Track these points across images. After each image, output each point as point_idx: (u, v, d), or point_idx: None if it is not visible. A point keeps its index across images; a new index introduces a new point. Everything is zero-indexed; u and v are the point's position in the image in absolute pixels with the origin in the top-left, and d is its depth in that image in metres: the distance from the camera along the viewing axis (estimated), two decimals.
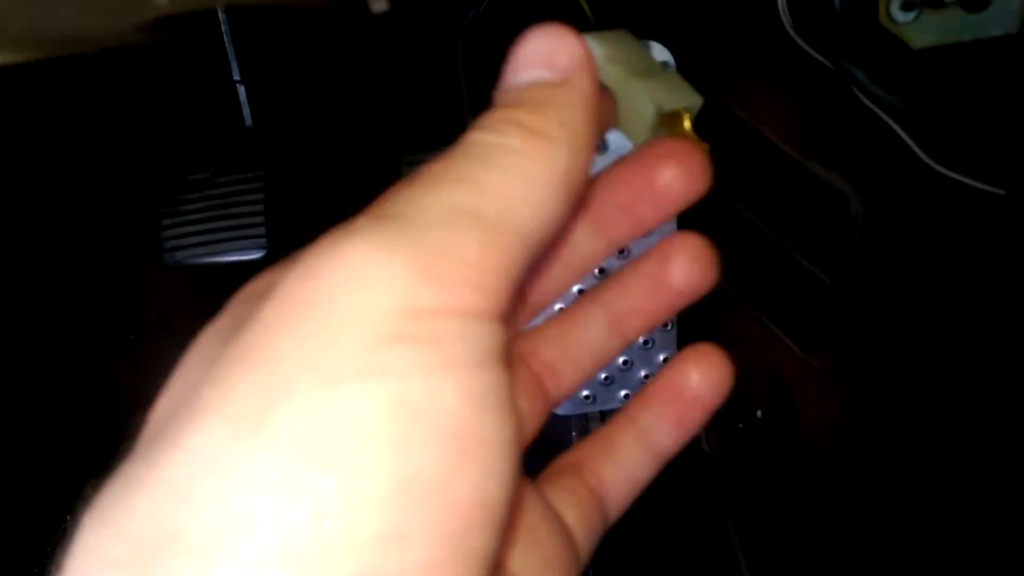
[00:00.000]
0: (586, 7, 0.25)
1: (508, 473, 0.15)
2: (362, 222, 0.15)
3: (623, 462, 0.25)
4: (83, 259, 0.76)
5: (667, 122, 0.26)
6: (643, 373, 0.80)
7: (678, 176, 0.24)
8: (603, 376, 0.80)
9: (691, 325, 0.88)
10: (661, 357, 0.80)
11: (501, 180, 0.16)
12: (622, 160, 0.24)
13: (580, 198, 0.18)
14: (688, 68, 0.67)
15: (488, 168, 0.16)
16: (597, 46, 0.25)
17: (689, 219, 0.77)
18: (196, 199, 0.64)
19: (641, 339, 0.78)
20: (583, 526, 0.24)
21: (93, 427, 0.84)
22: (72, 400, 0.81)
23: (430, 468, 0.14)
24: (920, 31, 0.41)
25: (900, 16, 0.41)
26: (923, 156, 0.53)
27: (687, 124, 0.26)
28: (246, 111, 0.70)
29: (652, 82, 0.25)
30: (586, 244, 0.25)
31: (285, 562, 0.13)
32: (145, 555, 0.13)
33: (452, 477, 0.14)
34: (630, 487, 0.25)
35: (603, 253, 0.25)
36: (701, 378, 0.25)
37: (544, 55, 0.19)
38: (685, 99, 0.26)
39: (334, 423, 0.13)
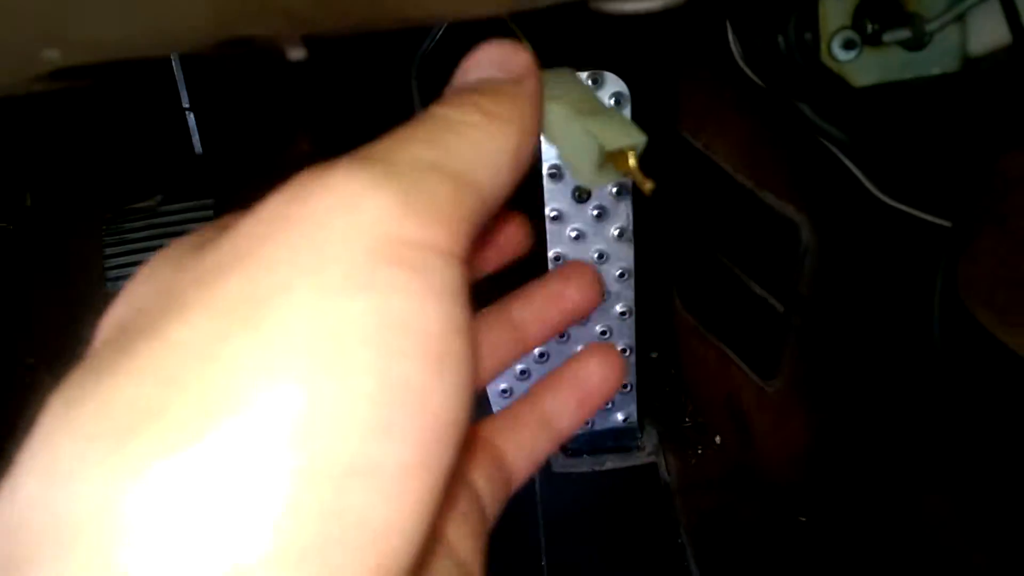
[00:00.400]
0: (522, 39, 0.26)
1: (469, 400, 0.16)
2: (344, 162, 0.16)
3: (527, 439, 0.27)
4: (27, 285, 0.74)
5: (613, 160, 0.26)
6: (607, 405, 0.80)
7: (577, 296, 0.28)
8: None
9: (648, 352, 0.89)
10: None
11: (464, 147, 0.18)
12: (537, 282, 0.29)
13: (521, 176, 0.20)
14: (642, 98, 0.67)
15: (453, 135, 0.18)
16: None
17: (649, 244, 0.78)
18: (142, 227, 0.63)
19: None
20: (491, 494, 0.26)
21: None
22: (17, 429, 0.78)
23: (414, 376, 0.15)
24: (861, 70, 0.42)
25: (841, 55, 0.41)
26: (871, 188, 0.54)
27: (632, 162, 0.26)
28: (195, 138, 0.69)
29: (596, 121, 0.25)
30: (509, 348, 0.28)
31: (277, 443, 0.14)
32: (124, 431, 0.14)
33: (431, 387, 0.15)
34: (531, 462, 0.28)
35: (523, 352, 0.29)
36: (600, 370, 0.28)
37: (498, 60, 0.22)
38: (629, 138, 0.26)
39: (330, 326, 0.15)
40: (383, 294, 0.15)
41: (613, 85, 0.65)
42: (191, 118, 0.69)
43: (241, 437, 0.14)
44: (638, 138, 0.26)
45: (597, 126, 0.25)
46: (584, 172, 0.26)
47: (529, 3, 0.18)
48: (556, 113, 0.26)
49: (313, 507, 0.14)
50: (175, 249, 0.19)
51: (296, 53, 0.23)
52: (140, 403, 0.14)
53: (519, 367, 0.77)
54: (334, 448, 0.14)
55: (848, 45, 0.41)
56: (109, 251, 0.63)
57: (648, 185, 0.27)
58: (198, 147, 0.70)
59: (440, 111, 0.19)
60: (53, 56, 0.16)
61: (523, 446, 0.27)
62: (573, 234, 0.71)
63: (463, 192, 0.18)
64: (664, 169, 0.77)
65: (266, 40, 0.21)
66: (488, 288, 0.28)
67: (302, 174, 0.17)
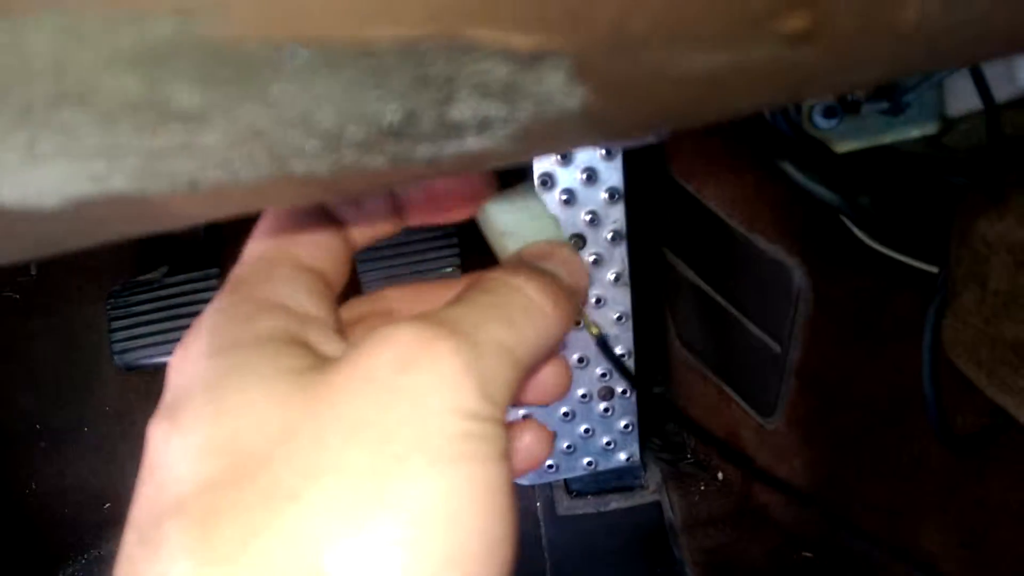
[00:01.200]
0: None
1: (512, 540, 0.21)
2: (444, 335, 0.20)
3: None
4: (32, 357, 0.75)
5: None
6: (605, 440, 0.81)
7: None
8: (565, 445, 0.81)
9: (651, 390, 0.90)
10: (622, 423, 0.80)
11: (532, 335, 0.22)
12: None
13: None
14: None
15: (528, 320, 0.23)
16: (500, 215, 0.28)
17: (645, 286, 0.79)
18: (147, 299, 0.63)
19: (602, 406, 0.79)
20: None
21: (46, 518, 0.82)
22: (24, 494, 0.79)
23: (500, 531, 0.20)
24: (843, 136, 0.43)
25: (822, 123, 0.43)
26: (860, 234, 0.55)
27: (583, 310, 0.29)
28: None
29: (520, 214, 0.28)
30: None
31: None
32: None
33: (508, 538, 0.20)
34: None
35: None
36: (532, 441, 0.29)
37: (568, 263, 0.26)
38: (545, 234, 0.28)
39: (442, 492, 0.19)
40: (475, 463, 0.19)
41: None
42: None
43: None
44: (552, 235, 0.28)
45: (513, 220, 0.28)
46: (496, 252, 0.28)
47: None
48: (509, 251, 0.28)
49: None
50: (277, 357, 0.21)
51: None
52: (298, 563, 0.18)
53: (521, 412, 0.78)
54: None
55: (828, 114, 0.43)
56: (115, 324, 0.63)
57: (595, 330, 0.30)
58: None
59: (522, 287, 0.23)
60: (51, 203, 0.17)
61: None
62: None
63: (519, 374, 0.22)
64: (659, 210, 0.78)
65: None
66: None
67: (405, 334, 0.20)
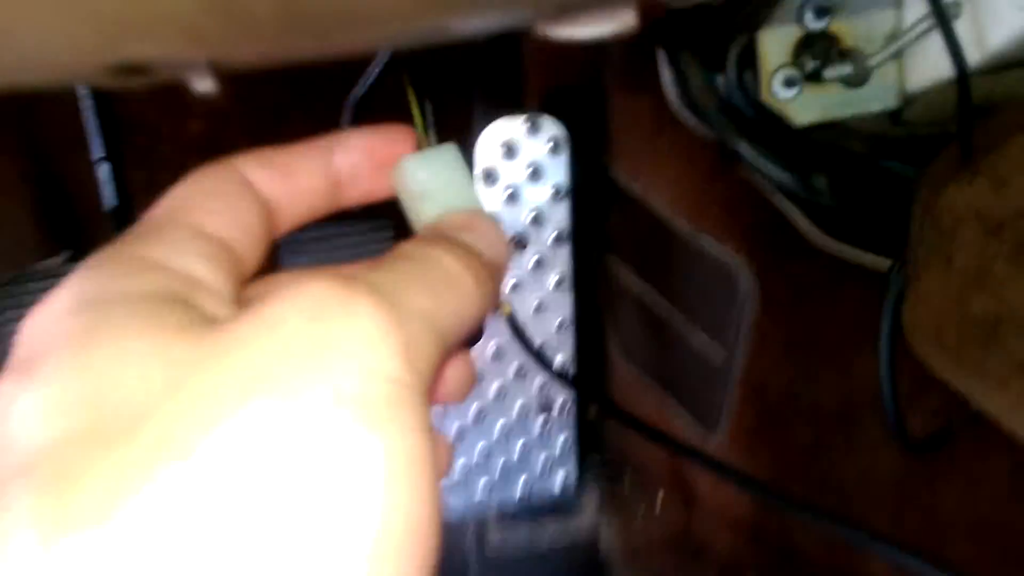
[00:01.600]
0: (419, 121, 0.26)
1: (435, 508, 0.19)
2: (363, 290, 0.19)
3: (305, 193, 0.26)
4: None
5: None
6: (542, 457, 0.77)
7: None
8: (501, 462, 0.76)
9: (588, 405, 0.86)
10: (560, 439, 0.76)
11: (453, 306, 0.21)
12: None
13: None
14: (579, 142, 0.66)
15: (450, 291, 0.21)
16: (418, 173, 0.26)
17: (587, 290, 0.76)
18: (45, 289, 0.57)
19: (540, 421, 0.75)
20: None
21: None
22: None
23: (422, 510, 0.18)
24: (802, 108, 0.41)
25: (782, 92, 0.41)
26: (810, 228, 0.53)
27: None
28: (108, 190, 0.64)
29: (441, 181, 0.26)
30: (324, 200, 0.28)
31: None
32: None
33: (429, 517, 0.18)
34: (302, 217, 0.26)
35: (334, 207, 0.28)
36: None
37: (490, 238, 0.25)
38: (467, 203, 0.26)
39: (359, 462, 0.17)
40: (396, 431, 0.17)
41: (550, 128, 0.64)
42: (104, 169, 0.65)
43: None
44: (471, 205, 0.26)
45: (432, 186, 0.26)
46: (409, 216, 0.26)
47: (472, 30, 0.16)
48: (424, 216, 0.26)
49: None
50: (159, 313, 0.18)
51: (202, 84, 0.20)
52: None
53: (456, 425, 0.73)
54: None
55: (789, 83, 0.41)
56: (7, 315, 0.56)
57: (507, 309, 0.27)
58: (111, 200, 0.65)
59: (442, 258, 0.22)
60: None
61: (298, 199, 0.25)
62: (510, 284, 0.68)
63: (442, 352, 0.20)
64: (602, 216, 0.76)
65: (168, 69, 0.18)
66: None
67: (318, 286, 0.18)
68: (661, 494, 0.78)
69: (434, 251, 0.22)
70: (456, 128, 0.70)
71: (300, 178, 0.24)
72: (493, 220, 0.26)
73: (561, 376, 0.61)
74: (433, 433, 0.19)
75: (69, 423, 0.16)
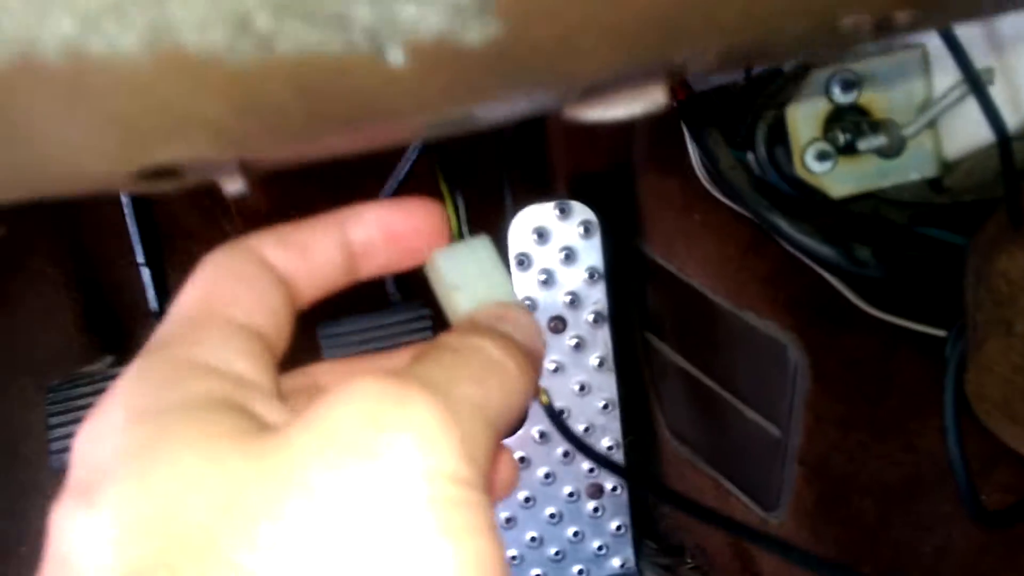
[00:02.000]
0: (454, 219, 0.26)
1: None
2: (415, 389, 0.18)
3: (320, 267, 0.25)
4: None
5: None
6: (596, 544, 0.74)
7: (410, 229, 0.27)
8: (553, 551, 0.73)
9: (642, 486, 0.83)
10: (613, 525, 0.74)
11: (501, 395, 0.21)
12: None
13: None
14: (610, 224, 0.66)
15: (495, 380, 0.21)
16: (451, 267, 0.25)
17: (630, 369, 0.74)
18: (89, 394, 0.58)
19: (591, 506, 0.73)
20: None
21: None
22: None
23: None
24: (838, 180, 0.41)
25: (816, 167, 0.40)
26: (858, 301, 0.52)
27: None
28: (150, 294, 0.66)
29: (472, 272, 0.26)
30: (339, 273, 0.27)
31: None
32: None
33: None
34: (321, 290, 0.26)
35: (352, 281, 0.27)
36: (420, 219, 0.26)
37: (528, 330, 0.25)
38: (496, 296, 0.26)
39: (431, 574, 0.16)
40: (466, 536, 0.17)
41: (581, 213, 0.64)
42: (146, 273, 0.66)
43: None
44: (504, 297, 0.26)
45: (462, 278, 0.25)
46: (445, 309, 0.26)
47: (499, 117, 0.16)
48: (460, 309, 0.25)
49: None
50: (214, 421, 0.18)
51: (233, 185, 0.20)
52: None
53: (504, 514, 0.71)
54: None
55: (822, 157, 0.40)
56: (53, 421, 0.57)
57: (544, 399, 0.28)
58: (153, 304, 0.66)
59: (484, 347, 0.22)
60: None
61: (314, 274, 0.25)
62: (551, 366, 0.67)
63: (495, 441, 0.20)
64: (639, 293, 0.75)
65: (198, 171, 0.18)
66: None
67: (370, 385, 0.18)
68: None
69: (475, 341, 0.22)
70: (489, 215, 0.70)
71: (316, 254, 0.24)
72: (526, 309, 0.26)
73: (608, 463, 0.59)
74: (498, 532, 0.18)
75: (137, 551, 0.15)
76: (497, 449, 0.24)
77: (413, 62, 0.12)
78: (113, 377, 0.19)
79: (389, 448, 0.17)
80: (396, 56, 0.12)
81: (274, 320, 0.22)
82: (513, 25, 0.12)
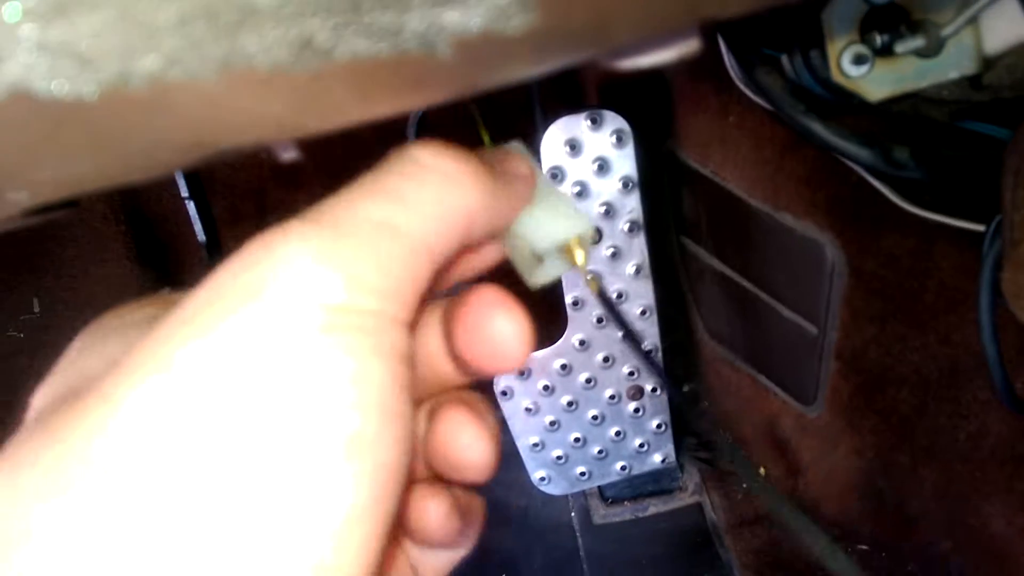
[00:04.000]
0: (484, 133, 0.25)
1: (409, 452, 0.18)
2: (296, 227, 0.17)
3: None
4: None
5: (561, 252, 0.24)
6: (637, 442, 0.77)
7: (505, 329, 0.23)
8: (596, 450, 0.77)
9: (680, 386, 0.86)
10: (654, 424, 0.77)
11: (437, 207, 0.19)
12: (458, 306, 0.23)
13: (476, 240, 0.21)
14: (643, 131, 0.65)
15: (418, 186, 0.19)
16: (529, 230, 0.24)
17: (667, 275, 0.75)
18: None
19: (632, 407, 0.75)
20: None
21: None
22: None
23: (365, 428, 0.17)
24: (876, 83, 0.40)
25: (853, 70, 0.39)
26: (896, 199, 0.51)
27: (577, 257, 0.24)
28: (197, 226, 0.68)
29: (531, 218, 0.24)
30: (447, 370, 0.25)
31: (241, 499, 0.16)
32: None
33: (380, 436, 0.17)
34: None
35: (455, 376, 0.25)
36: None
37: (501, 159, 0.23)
38: (565, 231, 0.24)
39: (284, 386, 0.16)
40: (332, 358, 0.16)
41: (613, 123, 0.63)
42: (191, 206, 0.68)
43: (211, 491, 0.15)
44: (581, 227, 0.24)
45: (530, 225, 0.24)
46: (525, 271, 0.24)
47: (534, 77, 0.16)
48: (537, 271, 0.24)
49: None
50: (116, 320, 0.20)
51: (288, 154, 0.21)
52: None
53: (548, 418, 0.74)
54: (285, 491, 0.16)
55: (859, 60, 0.39)
56: None
57: (593, 286, 0.26)
58: (200, 236, 0.68)
59: (419, 157, 0.19)
60: (20, 198, 0.15)
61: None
62: (588, 277, 0.69)
63: (415, 256, 0.18)
64: (674, 200, 0.75)
65: (256, 146, 0.19)
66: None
67: (252, 240, 0.17)
68: (763, 470, 0.78)
69: (413, 151, 0.20)
70: (519, 130, 0.70)
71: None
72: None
73: (655, 368, 0.61)
74: (405, 369, 0.18)
75: (48, 400, 0.18)
76: (471, 249, 0.23)
77: (458, 52, 0.13)
78: None
79: (248, 286, 0.16)
80: (444, 51, 0.12)
81: None
82: (552, 13, 0.12)
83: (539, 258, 0.24)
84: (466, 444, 0.23)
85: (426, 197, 0.19)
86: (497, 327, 0.21)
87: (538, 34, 0.13)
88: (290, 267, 0.17)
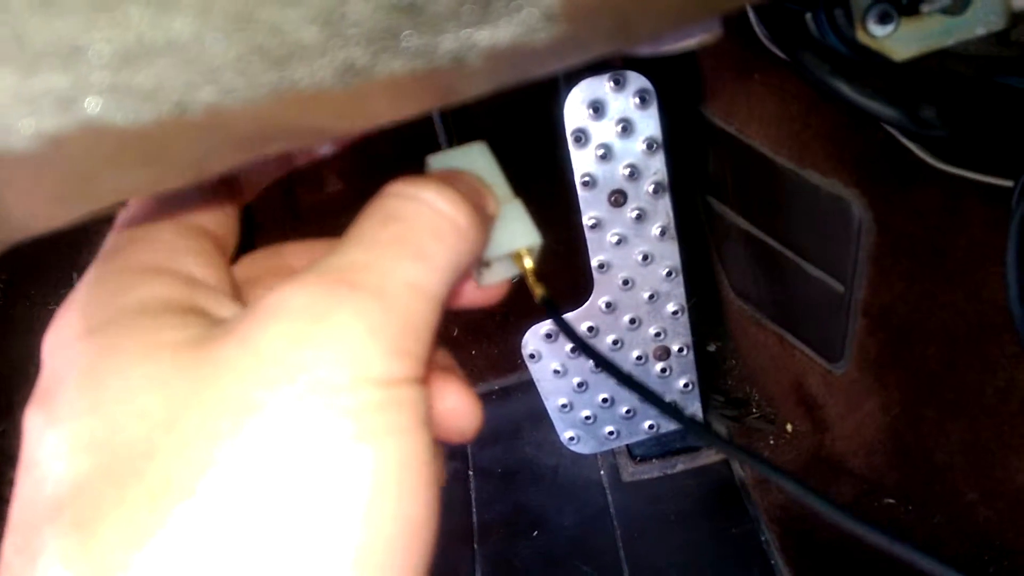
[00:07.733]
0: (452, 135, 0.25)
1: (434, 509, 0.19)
2: (345, 292, 0.18)
3: None
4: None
5: (512, 258, 0.25)
6: (666, 400, 0.78)
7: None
8: (624, 410, 0.78)
9: (706, 346, 0.86)
10: (681, 383, 0.77)
11: (446, 257, 0.20)
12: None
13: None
14: (666, 91, 0.65)
15: (438, 244, 0.20)
16: (443, 164, 0.25)
17: (693, 235, 0.75)
18: None
19: (659, 367, 0.76)
20: None
21: None
22: None
23: (417, 513, 0.18)
24: (901, 42, 0.39)
25: (878, 31, 0.39)
26: (923, 155, 0.51)
27: (526, 265, 0.25)
28: None
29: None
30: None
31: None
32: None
33: (424, 519, 0.18)
34: None
35: None
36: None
37: (473, 189, 0.23)
38: (515, 242, 0.25)
39: (351, 480, 0.17)
40: (388, 438, 0.17)
41: (636, 83, 0.63)
42: None
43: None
44: (531, 239, 0.25)
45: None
46: (477, 275, 0.25)
47: (569, 64, 0.17)
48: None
49: None
50: (160, 330, 0.19)
51: (324, 150, 0.22)
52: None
53: (576, 379, 0.76)
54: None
55: (884, 19, 0.39)
56: None
57: (538, 291, 0.26)
58: None
59: (429, 199, 0.20)
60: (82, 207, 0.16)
61: None
62: (614, 239, 0.69)
63: (434, 313, 0.19)
64: (697, 154, 0.75)
65: (297, 150, 0.20)
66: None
67: (297, 304, 0.18)
68: (790, 427, 0.78)
69: (422, 193, 0.21)
70: (541, 92, 0.70)
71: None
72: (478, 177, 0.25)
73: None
74: (425, 427, 0.19)
75: (88, 465, 0.17)
76: (460, 281, 0.23)
77: (487, 62, 0.13)
78: None
79: (309, 363, 0.17)
80: (474, 64, 0.13)
81: (222, 218, 0.23)
82: (576, 23, 0.13)
83: (487, 263, 0.25)
84: (451, 408, 0.24)
85: (443, 252, 0.20)
86: (448, 404, 0.23)
87: (563, 40, 0.13)
88: (346, 344, 0.17)
